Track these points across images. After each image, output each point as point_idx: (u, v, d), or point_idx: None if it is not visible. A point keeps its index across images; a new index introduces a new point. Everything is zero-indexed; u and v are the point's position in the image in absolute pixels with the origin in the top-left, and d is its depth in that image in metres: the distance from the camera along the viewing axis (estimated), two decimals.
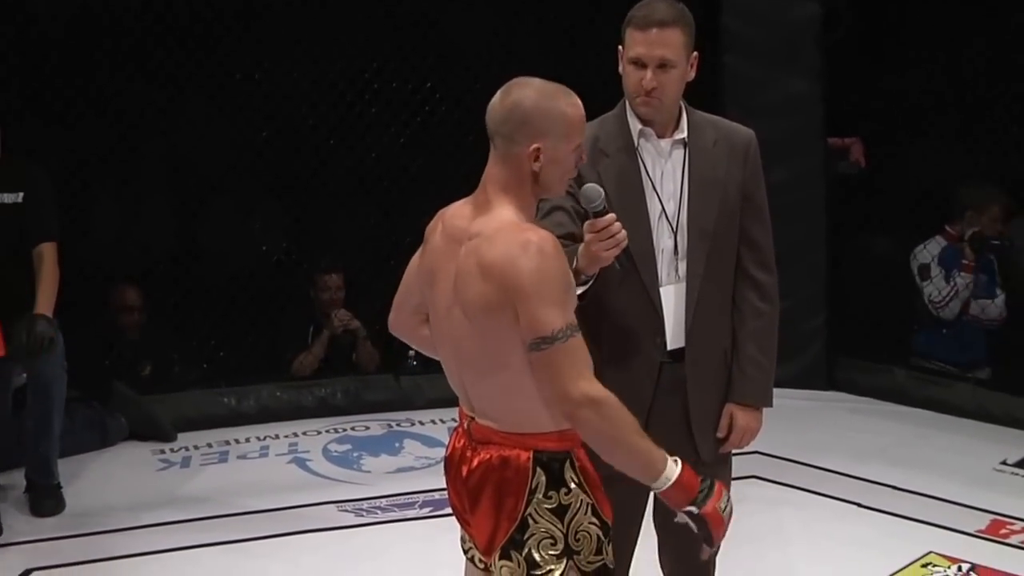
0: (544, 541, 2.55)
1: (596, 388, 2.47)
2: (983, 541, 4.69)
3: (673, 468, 2.50)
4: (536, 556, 2.55)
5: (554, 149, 2.54)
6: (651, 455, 2.50)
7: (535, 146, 2.52)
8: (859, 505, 5.04)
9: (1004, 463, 5.52)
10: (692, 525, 2.53)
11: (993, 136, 6.36)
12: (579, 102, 2.59)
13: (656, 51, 2.94)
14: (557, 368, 2.45)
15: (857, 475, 5.34)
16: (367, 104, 6.62)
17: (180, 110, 6.34)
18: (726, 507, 2.55)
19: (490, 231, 2.51)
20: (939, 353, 6.36)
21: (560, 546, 2.56)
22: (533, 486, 2.56)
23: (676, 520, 2.55)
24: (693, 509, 2.51)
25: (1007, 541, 4.69)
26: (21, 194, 4.95)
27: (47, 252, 4.96)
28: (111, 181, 6.36)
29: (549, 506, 2.56)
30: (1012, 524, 4.82)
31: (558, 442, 2.57)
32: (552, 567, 2.55)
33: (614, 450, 2.50)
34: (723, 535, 2.57)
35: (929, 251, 6.20)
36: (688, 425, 3.11)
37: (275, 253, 6.86)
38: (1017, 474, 5.42)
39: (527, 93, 2.55)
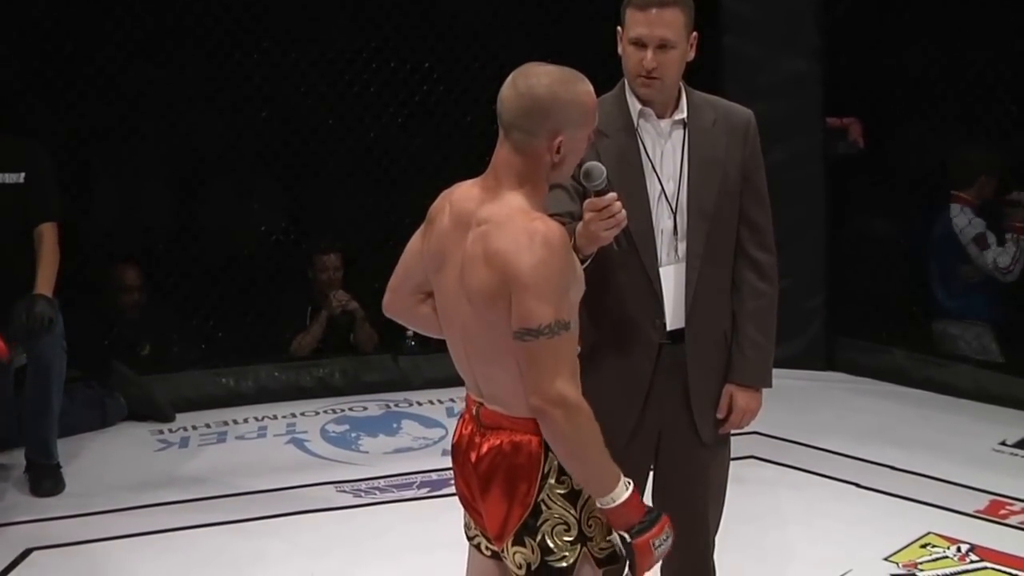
0: (558, 527, 2.53)
1: (573, 392, 2.43)
2: (982, 521, 4.70)
3: (623, 491, 2.48)
4: (550, 542, 2.53)
5: (572, 139, 2.51)
6: (605, 472, 2.48)
7: (558, 140, 2.49)
8: (858, 485, 5.04)
9: (1003, 443, 5.52)
10: (621, 548, 2.53)
11: (992, 116, 6.34)
12: (592, 88, 2.55)
13: (656, 31, 2.93)
14: (537, 362, 2.42)
15: (856, 455, 5.34)
16: (365, 84, 6.60)
17: (180, 90, 6.32)
18: (661, 544, 2.53)
19: (500, 218, 2.47)
20: (972, 312, 6.34)
21: (574, 532, 2.54)
22: (545, 471, 2.53)
23: (608, 538, 2.56)
24: (626, 536, 2.50)
25: (1006, 521, 4.70)
26: (23, 174, 4.95)
27: (48, 232, 4.96)
28: (111, 161, 6.35)
29: (562, 491, 2.53)
30: (1011, 504, 4.83)
31: None
32: (566, 553, 2.53)
33: (571, 457, 2.48)
34: (648, 568, 2.54)
35: (959, 221, 6.18)
36: (688, 406, 3.11)
37: (274, 233, 6.84)
38: (1016, 454, 5.42)
39: (543, 83, 2.48)
